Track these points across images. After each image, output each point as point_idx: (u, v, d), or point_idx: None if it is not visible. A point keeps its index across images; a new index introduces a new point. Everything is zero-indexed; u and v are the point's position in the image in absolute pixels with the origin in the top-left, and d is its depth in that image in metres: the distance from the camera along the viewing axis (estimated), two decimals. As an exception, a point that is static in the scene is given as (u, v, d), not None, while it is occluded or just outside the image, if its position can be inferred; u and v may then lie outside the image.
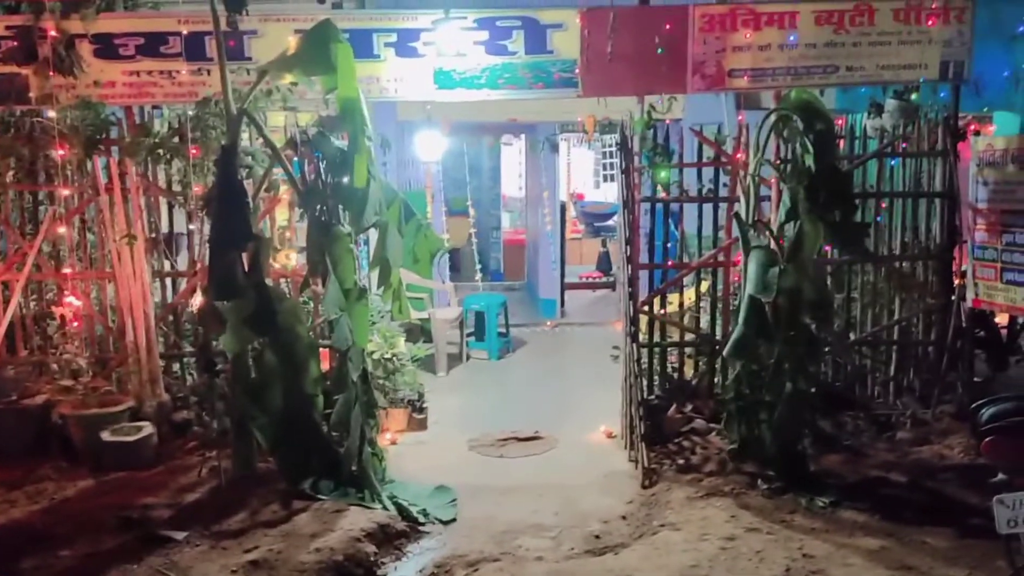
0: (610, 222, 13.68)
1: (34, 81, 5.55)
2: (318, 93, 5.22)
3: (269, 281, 5.04)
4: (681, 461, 5.23)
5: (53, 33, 5.44)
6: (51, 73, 5.50)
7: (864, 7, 5.58)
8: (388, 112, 8.51)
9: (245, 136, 5.52)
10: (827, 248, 5.76)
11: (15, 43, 5.53)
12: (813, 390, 4.96)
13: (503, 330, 8.93)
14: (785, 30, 5.59)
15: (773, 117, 5.14)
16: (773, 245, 5.03)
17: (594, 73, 5.73)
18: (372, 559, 4.18)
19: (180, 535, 4.17)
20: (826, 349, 5.74)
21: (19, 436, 5.39)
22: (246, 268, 4.79)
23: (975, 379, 5.84)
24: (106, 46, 5.58)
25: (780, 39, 5.61)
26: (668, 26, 5.63)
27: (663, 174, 5.84)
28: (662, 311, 6.11)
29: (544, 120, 10.04)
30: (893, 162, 6.07)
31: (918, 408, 5.74)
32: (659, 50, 5.63)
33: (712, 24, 5.64)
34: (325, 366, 5.44)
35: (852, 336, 6.04)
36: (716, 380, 5.89)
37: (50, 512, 4.61)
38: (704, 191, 5.91)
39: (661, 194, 5.96)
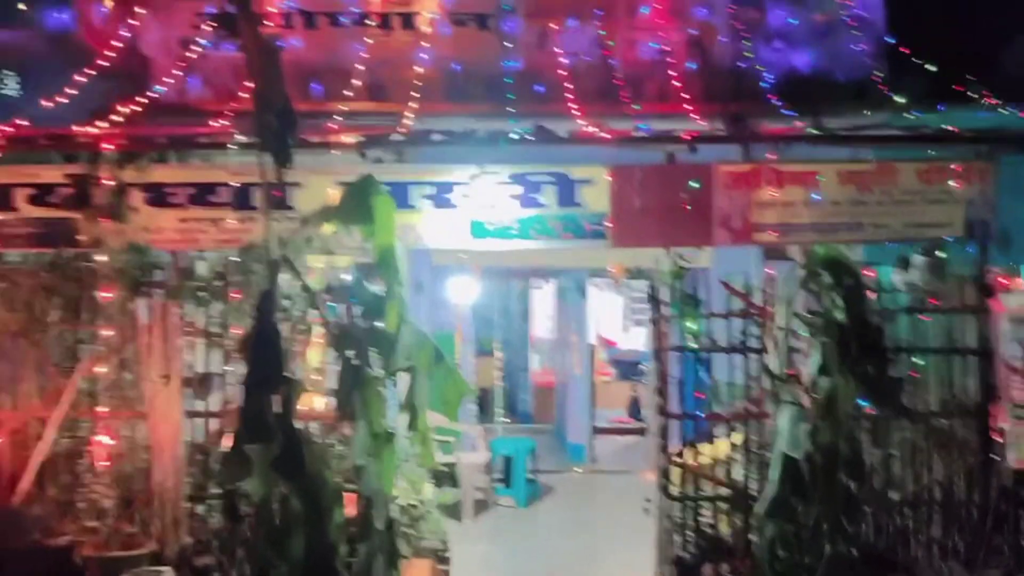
0: (641, 370, 13.67)
1: (85, 226, 5.84)
2: (356, 240, 5.43)
3: (298, 423, 5.07)
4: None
5: (109, 182, 5.78)
6: (102, 219, 5.81)
7: (887, 167, 5.77)
8: (423, 256, 8.78)
9: (284, 280, 5.71)
10: (862, 404, 5.69)
11: (71, 190, 5.88)
12: (854, 552, 4.78)
13: (531, 476, 8.80)
14: (809, 188, 5.79)
15: (801, 271, 5.23)
16: (806, 400, 5.00)
17: (623, 225, 5.92)
18: None
19: None
20: (866, 509, 5.57)
21: (42, 574, 5.33)
22: (276, 410, 4.84)
23: (1022, 543, 5.61)
24: (158, 195, 5.91)
25: (805, 196, 5.80)
26: (694, 184, 5.84)
27: (692, 324, 5.90)
28: (694, 463, 6.01)
29: (573, 266, 10.28)
30: (925, 317, 6.09)
31: (964, 572, 5.49)
32: (686, 206, 5.83)
33: (736, 181, 5.86)
34: (349, 511, 5.37)
35: (892, 495, 5.86)
36: (752, 537, 5.71)
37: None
38: (734, 342, 5.94)
39: (691, 343, 6.00)
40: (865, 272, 6.13)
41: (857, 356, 4.81)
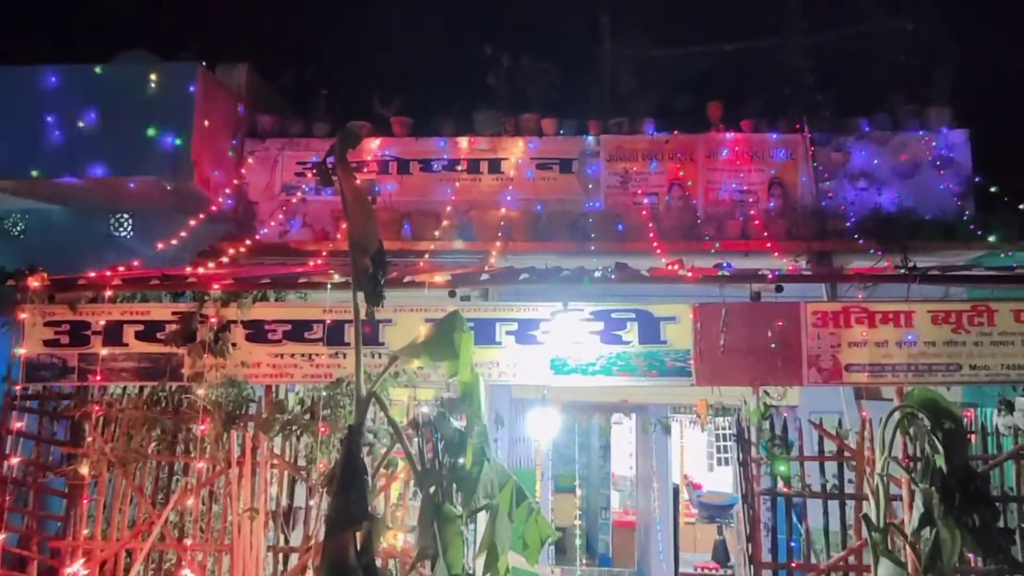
0: (728, 515, 13.09)
1: (188, 360, 6.12)
2: (440, 376, 5.52)
3: (379, 561, 5.01)
4: None
5: (213, 320, 6.08)
6: (205, 354, 6.07)
7: (982, 308, 5.61)
8: (504, 390, 8.82)
9: (371, 414, 5.81)
10: (969, 556, 5.32)
11: (177, 326, 6.19)
12: None
13: (612, 624, 8.37)
14: (901, 328, 5.65)
15: (897, 414, 5.03)
16: (908, 552, 4.70)
17: (707, 363, 5.86)
18: None
19: None
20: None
21: None
22: (358, 547, 4.81)
23: None
24: (257, 331, 6.17)
25: (897, 336, 5.65)
26: (780, 322, 5.78)
27: (783, 467, 5.69)
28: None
29: (655, 401, 10.13)
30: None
31: None
32: (772, 344, 5.75)
33: (825, 320, 5.77)
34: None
35: (1011, 660, 5.34)
36: None
37: None
38: (828, 487, 5.69)
39: (782, 487, 5.77)
40: (966, 414, 5.86)
41: (962, 505, 4.52)
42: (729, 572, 11.51)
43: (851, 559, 5.49)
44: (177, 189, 8.57)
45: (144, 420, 6.11)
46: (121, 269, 6.58)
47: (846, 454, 5.62)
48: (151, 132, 8.32)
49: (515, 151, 9.27)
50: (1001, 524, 5.22)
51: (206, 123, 8.57)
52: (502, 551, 5.17)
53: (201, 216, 8.31)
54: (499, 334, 6.18)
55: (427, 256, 8.00)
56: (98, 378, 6.05)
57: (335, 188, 4.95)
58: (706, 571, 12.02)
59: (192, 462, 6.05)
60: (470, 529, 6.13)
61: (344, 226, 5.57)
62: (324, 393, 5.95)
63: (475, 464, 5.12)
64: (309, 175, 9.21)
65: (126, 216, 9.44)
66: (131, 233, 9.46)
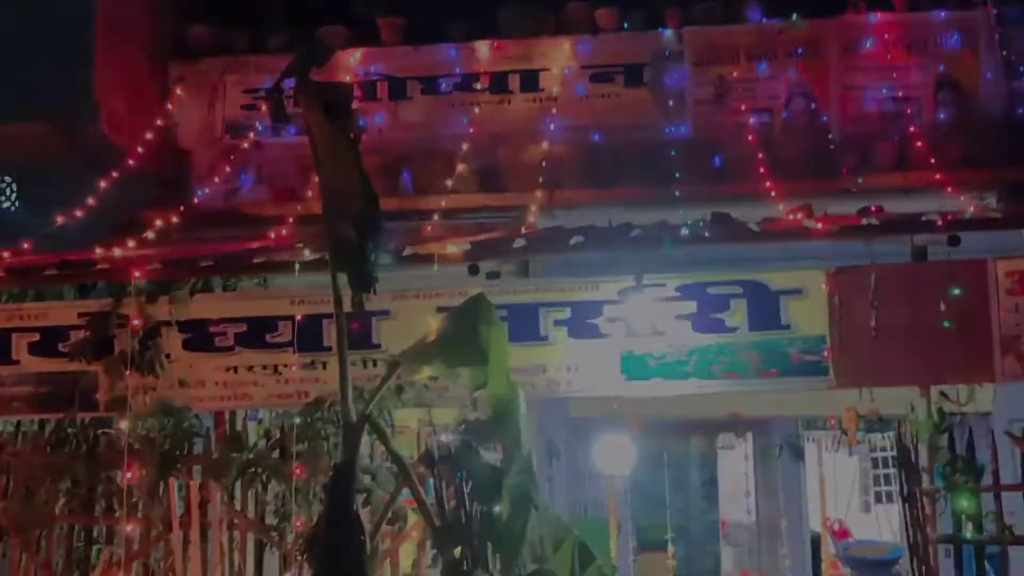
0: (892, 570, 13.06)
1: (104, 381, 6.23)
2: (463, 388, 5.56)
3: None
4: None
5: (137, 322, 6.18)
6: (127, 371, 6.18)
7: None
8: (557, 408, 8.86)
9: (365, 447, 5.88)
10: None
11: (85, 333, 6.30)
12: None
13: None
14: None
15: None
16: None
17: (851, 355, 5.82)
18: None
19: None
20: None
21: None
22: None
23: None
24: (198, 335, 6.28)
25: None
26: (958, 290, 5.72)
27: (968, 501, 5.67)
28: None
29: (780, 414, 10.09)
30: None
31: None
32: (947, 323, 5.69)
33: (1024, 283, 5.71)
34: None
35: None
36: None
37: None
38: (1035, 528, 5.67)
39: (969, 531, 5.75)
40: None
41: None
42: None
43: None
44: (77, 139, 8.69)
45: (48, 468, 6.24)
46: (4, 255, 6.69)
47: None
48: (36, 60, 8.44)
49: (560, 57, 9.20)
50: None
51: (112, 42, 8.65)
52: (563, 636, 5.24)
53: (114, 175, 8.38)
54: (545, 326, 6.22)
55: (437, 217, 8.03)
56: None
57: (300, 126, 4.99)
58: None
59: (117, 524, 6.17)
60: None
61: (316, 180, 5.60)
62: (298, 420, 6.03)
63: (517, 514, 5.18)
64: (263, 108, 9.26)
65: (7, 180, 9.61)
66: (15, 204, 9.63)
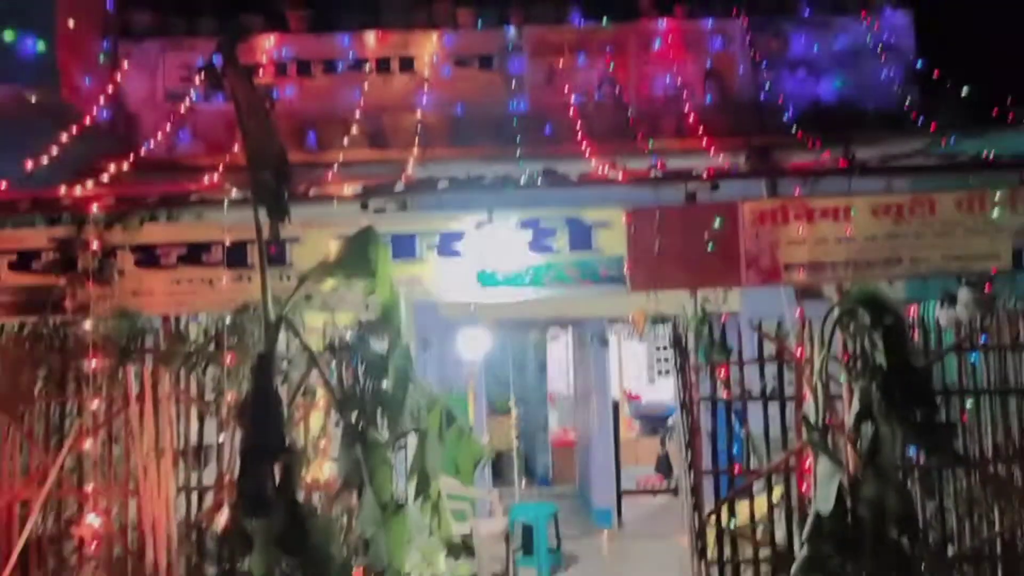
0: (669, 423, 13.58)
1: (70, 292, 5.92)
2: (358, 296, 5.48)
3: (301, 495, 5.05)
4: None
5: (96, 245, 5.87)
6: (89, 283, 5.89)
7: (924, 198, 5.80)
8: (430, 311, 8.82)
9: (282, 340, 5.75)
10: (911, 453, 5.64)
11: (54, 254, 5.97)
12: (910, 615, 4.69)
13: (554, 544, 8.70)
14: (841, 223, 5.81)
15: (836, 312, 5.22)
16: (849, 449, 4.95)
17: (642, 269, 5.95)
18: None
19: None
20: (920, 566, 5.47)
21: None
22: (277, 482, 4.83)
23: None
24: (147, 256, 5.99)
25: (837, 232, 5.82)
26: (717, 223, 5.89)
27: (722, 372, 5.89)
28: (731, 522, 5.93)
29: (592, 315, 10.30)
30: (974, 356, 6.05)
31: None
32: (709, 246, 5.86)
33: (763, 219, 5.90)
34: (358, 589, 5.32)
35: (950, 551, 5.76)
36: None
37: None
38: (768, 390, 5.92)
39: (722, 393, 5.98)
40: (907, 310, 6.13)
41: (902, 401, 4.77)
42: (672, 483, 12.02)
43: (792, 462, 5.76)
44: (42, 102, 8.14)
45: (27, 359, 5.93)
46: (-15, 194, 6.26)
47: (786, 356, 5.83)
48: (7, 36, 7.84)
49: (429, 47, 9.05)
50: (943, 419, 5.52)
51: (71, 23, 8.11)
52: (433, 475, 5.28)
53: (75, 131, 7.92)
54: (420, 249, 6.15)
55: (335, 168, 7.82)
56: (-31, 316, 5.83)
57: (227, 94, 4.77)
58: (649, 485, 12.54)
59: (86, 401, 5.92)
60: (399, 456, 6.20)
61: (240, 136, 5.37)
62: (229, 321, 5.85)
63: (399, 387, 5.17)
64: (196, 80, 8.84)
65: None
66: (-4, 153, 8.98)
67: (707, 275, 5.93)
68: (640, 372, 15.55)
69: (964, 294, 6.10)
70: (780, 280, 5.94)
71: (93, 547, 5.79)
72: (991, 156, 6.26)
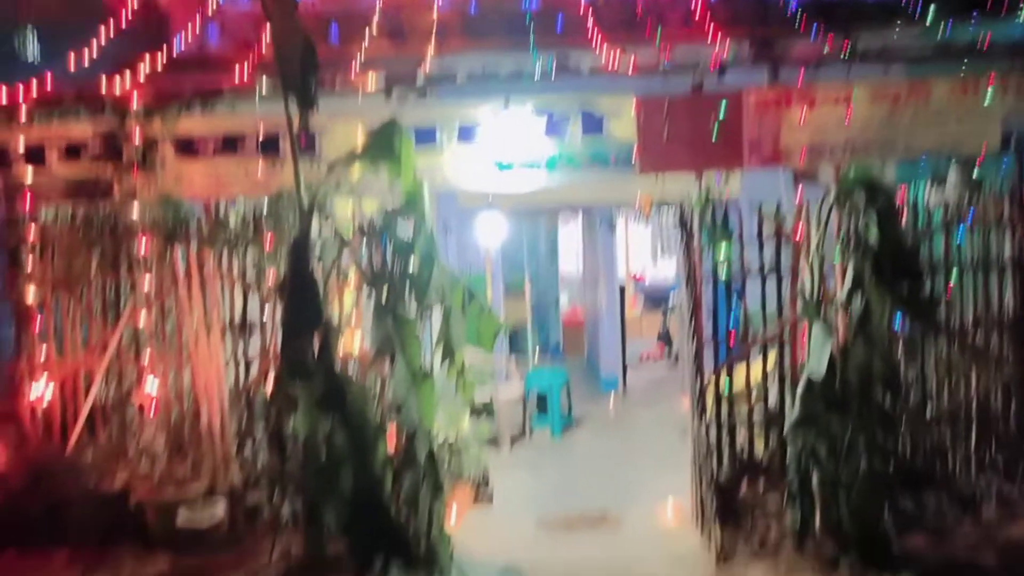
0: (671, 301, 13.65)
1: (117, 180, 5.90)
2: (384, 184, 5.43)
3: (338, 364, 5.15)
4: (756, 541, 5.08)
5: (137, 137, 5.80)
6: (133, 172, 5.85)
7: (920, 84, 5.62)
8: (450, 200, 8.74)
9: (315, 226, 5.74)
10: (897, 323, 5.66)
11: (101, 145, 5.92)
12: (890, 468, 4.80)
13: (565, 407, 8.89)
14: (839, 109, 5.66)
15: (833, 192, 5.15)
16: (840, 319, 4.97)
17: (650, 153, 5.86)
18: (443, 644, 4.13)
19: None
20: (901, 426, 5.57)
21: (97, 521, 5.51)
22: (316, 352, 4.92)
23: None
24: (185, 146, 5.94)
25: (835, 117, 5.68)
26: (721, 111, 5.74)
27: (723, 251, 5.85)
28: (729, 387, 6.02)
29: (601, 200, 10.18)
30: (960, 234, 5.98)
31: (1003, 484, 5.50)
32: (714, 131, 5.74)
33: (766, 106, 5.76)
34: (391, 447, 5.49)
35: (928, 411, 5.85)
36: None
37: (126, 596, 4.69)
38: (766, 267, 5.89)
39: (722, 271, 5.95)
40: (899, 192, 6.03)
41: (891, 275, 4.76)
42: (673, 351, 12.17)
43: (786, 332, 5.79)
44: (81, 3, 7.91)
45: (82, 243, 5.96)
46: (32, 89, 6.15)
47: (784, 236, 5.77)
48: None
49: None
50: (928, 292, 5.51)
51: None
52: (457, 346, 5.36)
53: (111, 28, 7.71)
54: (440, 137, 6.06)
55: (358, 61, 7.63)
56: (27, 202, 5.81)
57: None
58: (651, 357, 12.70)
59: (138, 281, 5.98)
60: (425, 330, 6.28)
61: (267, 31, 5.22)
62: (265, 207, 5.82)
63: (425, 268, 5.20)
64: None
65: (29, 33, 8.73)
66: (38, 53, 8.80)
67: (712, 159, 5.83)
68: (645, 254, 15.53)
69: (953, 176, 5.99)
70: (781, 163, 5.84)
71: (152, 411, 5.96)
72: (984, 44, 6.03)
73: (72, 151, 5.91)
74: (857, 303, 4.87)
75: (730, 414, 5.96)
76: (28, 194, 5.83)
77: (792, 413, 4.93)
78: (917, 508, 5.31)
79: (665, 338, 12.90)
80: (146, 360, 5.99)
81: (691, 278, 5.77)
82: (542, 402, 8.69)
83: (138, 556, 5.22)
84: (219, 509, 5.46)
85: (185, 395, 6.00)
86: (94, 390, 5.90)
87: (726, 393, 5.96)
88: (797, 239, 5.66)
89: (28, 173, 5.93)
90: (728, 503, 5.44)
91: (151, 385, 5.92)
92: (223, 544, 5.32)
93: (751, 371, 6.20)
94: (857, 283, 4.84)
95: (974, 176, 5.97)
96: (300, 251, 5.03)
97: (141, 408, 5.99)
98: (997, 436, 5.77)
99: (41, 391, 5.85)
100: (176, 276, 5.87)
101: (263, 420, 6.08)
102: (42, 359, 5.96)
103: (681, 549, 5.32)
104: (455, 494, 6.10)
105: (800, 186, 6.63)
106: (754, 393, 6.13)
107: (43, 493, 5.46)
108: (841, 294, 4.98)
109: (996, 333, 5.83)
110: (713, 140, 5.74)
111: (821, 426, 4.81)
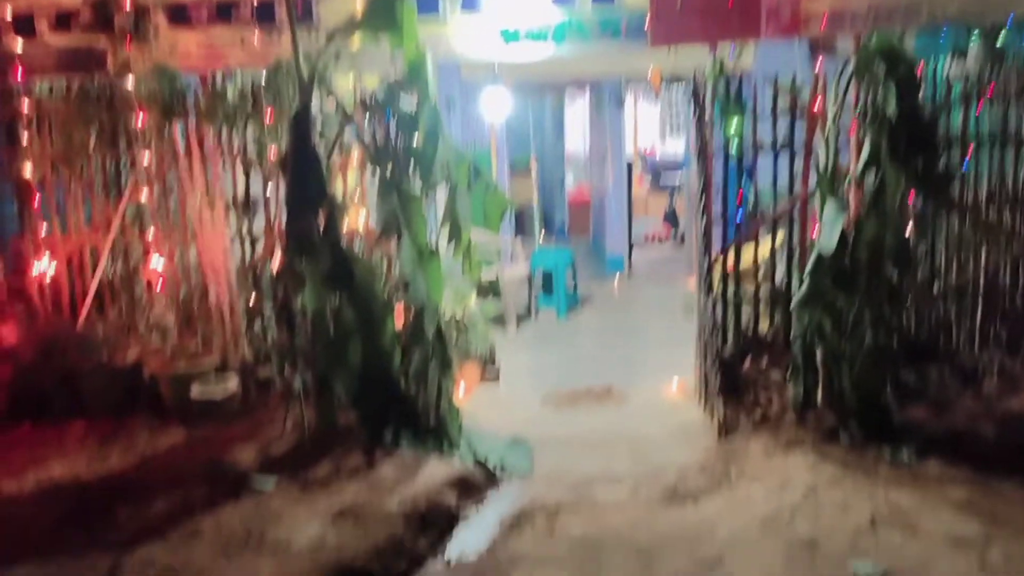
0: (678, 181, 13.51)
1: (111, 50, 5.70)
2: (385, 55, 5.25)
3: (343, 240, 5.13)
4: (758, 414, 5.20)
5: (128, 4, 5.57)
6: (126, 42, 5.65)
7: (948, -56, 5.33)
8: (453, 72, 8.51)
9: (316, 98, 5.59)
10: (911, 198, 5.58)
11: (91, 14, 5.69)
12: (895, 343, 4.85)
13: (571, 287, 8.95)
14: (864, -29, 5.38)
15: (852, 63, 4.97)
16: (853, 194, 4.90)
17: (663, 23, 5.61)
18: (454, 507, 4.30)
19: (270, 484, 4.34)
20: (908, 300, 5.59)
21: (110, 394, 5.64)
22: (321, 228, 4.89)
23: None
24: (179, 14, 5.70)
25: (859, -20, 5.41)
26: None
27: (734, 126, 5.71)
28: (737, 264, 6.02)
29: (610, 74, 9.91)
30: (978, 108, 5.82)
31: (1005, 359, 5.57)
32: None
33: (786, -32, 5.47)
34: (399, 324, 5.54)
35: (936, 287, 5.87)
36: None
37: (143, 464, 4.84)
38: (779, 143, 5.77)
39: (735, 146, 5.84)
40: (918, 65, 5.82)
41: (907, 148, 4.65)
42: (679, 234, 12.16)
43: (796, 209, 5.73)
44: None
45: (79, 117, 5.83)
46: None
47: (798, 110, 5.62)
48: None
49: None
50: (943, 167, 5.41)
51: None
52: (463, 224, 5.33)
53: None
54: (443, 5, 5.81)
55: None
56: (19, 74, 5.64)
57: None
58: (658, 236, 12.69)
59: (138, 156, 5.89)
60: (431, 209, 6.22)
61: None
62: (264, 79, 5.65)
63: (429, 143, 5.10)
64: None
65: None
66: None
67: (728, 28, 5.59)
68: (653, 132, 15.26)
69: (975, 48, 5.77)
70: (799, 32, 5.60)
71: (161, 287, 6.00)
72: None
73: (63, 20, 5.67)
74: (871, 178, 4.79)
75: (736, 292, 5.99)
76: (19, 66, 5.64)
77: (800, 290, 4.94)
78: (919, 381, 5.40)
79: (671, 218, 12.86)
80: (151, 237, 5.97)
81: (702, 153, 5.66)
82: (548, 282, 8.73)
83: (153, 428, 5.35)
84: (232, 383, 5.57)
85: (192, 272, 6.02)
86: (101, 266, 5.91)
87: (733, 271, 5.96)
88: (815, 111, 5.52)
89: (18, 44, 5.72)
90: (731, 378, 5.54)
91: (157, 262, 5.92)
92: (236, 416, 5.46)
93: (759, 249, 6.18)
94: (873, 156, 4.74)
95: (997, 45, 5.75)
96: (301, 125, 4.91)
97: (149, 284, 6.01)
98: (1003, 312, 5.80)
99: (47, 268, 5.87)
100: (176, 152, 5.77)
101: (271, 297, 6.12)
102: (46, 236, 5.94)
103: (684, 422, 5.45)
104: (463, 371, 6.21)
105: (820, 57, 6.40)
106: (761, 270, 6.13)
107: (55, 367, 5.55)
108: (856, 169, 4.89)
109: (1009, 209, 5.77)
110: (730, 7, 5.49)
111: (828, 302, 4.82)
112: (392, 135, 5.19)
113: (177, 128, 5.77)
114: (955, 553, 3.38)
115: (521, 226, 11.75)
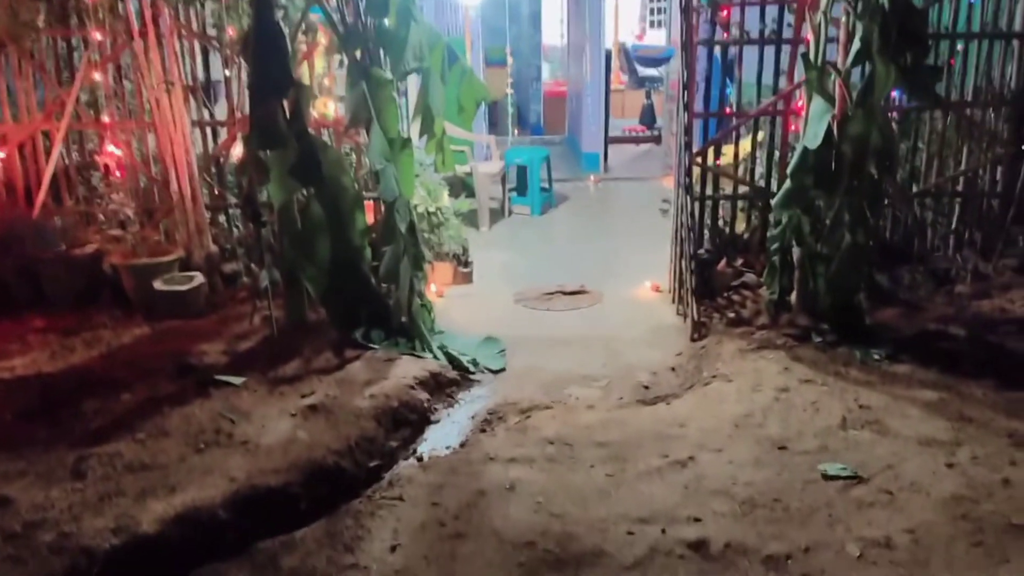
0: (655, 72, 13.12)
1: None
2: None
3: (311, 130, 4.89)
4: (731, 315, 5.18)
5: None
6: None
7: None
8: (425, -49, 8.03)
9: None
10: (894, 95, 5.43)
11: None
12: (872, 243, 4.79)
13: (546, 185, 8.77)
14: None
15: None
16: (839, 90, 4.73)
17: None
18: (425, 405, 4.26)
19: (238, 380, 4.25)
20: (886, 201, 5.52)
21: (70, 285, 5.46)
22: (287, 117, 4.64)
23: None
24: None
25: None
26: None
27: (723, 12, 5.45)
28: (716, 163, 5.88)
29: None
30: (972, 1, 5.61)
31: (979, 262, 5.56)
32: None
33: None
34: (370, 219, 5.37)
35: (915, 187, 5.79)
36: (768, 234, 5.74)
37: (108, 358, 4.69)
38: (768, 32, 5.54)
39: (722, 36, 5.60)
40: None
41: (897, 42, 4.46)
42: (655, 133, 11.93)
43: (780, 105, 5.56)
44: None
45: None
46: None
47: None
48: None
49: None
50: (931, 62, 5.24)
51: None
52: (437, 113, 5.08)
53: None
54: None
55: None
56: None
57: None
58: (633, 133, 12.45)
59: (90, 35, 5.51)
60: (403, 101, 5.94)
61: None
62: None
63: (401, 24, 4.80)
64: None
65: None
66: None
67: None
68: (633, 24, 14.75)
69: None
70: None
71: (118, 175, 5.73)
72: None
73: None
74: (857, 75, 4.62)
75: (715, 190, 5.87)
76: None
77: (782, 188, 4.83)
78: (892, 282, 5.38)
79: (648, 117, 12.59)
80: (106, 123, 5.66)
81: (687, 45, 5.42)
82: (522, 180, 8.54)
83: (116, 320, 5.20)
84: (197, 275, 5.40)
85: (152, 160, 5.74)
86: (55, 153, 5.61)
87: (713, 168, 5.83)
88: (801, 3, 5.26)
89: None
90: (706, 279, 5.48)
91: (113, 148, 5.63)
92: (202, 310, 5.32)
93: (739, 147, 6.03)
94: (863, 50, 4.54)
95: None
96: (263, 3, 4.59)
97: (107, 169, 5.73)
98: (980, 214, 5.77)
99: (-2, 154, 5.56)
100: (131, 31, 5.39)
101: (235, 188, 5.89)
102: (-4, 121, 5.61)
103: (658, 322, 5.42)
104: (435, 269, 6.10)
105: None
106: (740, 168, 6.00)
107: (13, 256, 5.34)
108: (846, 63, 4.70)
109: (993, 108, 5.66)
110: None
111: (809, 200, 4.72)
112: (361, 16, 4.87)
113: (131, 4, 5.38)
114: (924, 453, 3.40)
115: (495, 123, 11.44)
